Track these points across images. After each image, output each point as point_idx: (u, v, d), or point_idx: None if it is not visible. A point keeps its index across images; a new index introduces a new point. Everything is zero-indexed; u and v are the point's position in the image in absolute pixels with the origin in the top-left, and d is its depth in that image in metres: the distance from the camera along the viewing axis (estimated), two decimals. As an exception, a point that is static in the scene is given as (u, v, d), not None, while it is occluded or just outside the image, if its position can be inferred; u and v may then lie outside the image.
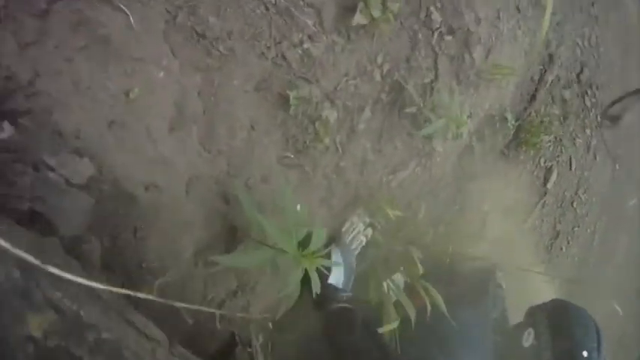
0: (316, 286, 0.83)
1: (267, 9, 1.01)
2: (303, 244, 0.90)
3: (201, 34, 0.91)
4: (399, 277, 1.48)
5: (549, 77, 2.07)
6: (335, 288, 1.19)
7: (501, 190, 1.99)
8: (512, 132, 1.87)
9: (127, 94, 0.77)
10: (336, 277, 1.22)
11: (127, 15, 0.77)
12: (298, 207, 0.97)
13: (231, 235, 0.95)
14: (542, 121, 1.95)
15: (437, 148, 1.47)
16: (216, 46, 0.93)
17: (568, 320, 1.24)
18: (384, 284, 1.36)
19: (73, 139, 0.73)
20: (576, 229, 2.35)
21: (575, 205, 2.30)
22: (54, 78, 0.71)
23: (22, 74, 0.69)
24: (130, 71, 0.77)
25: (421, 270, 1.29)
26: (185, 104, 0.86)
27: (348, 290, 1.23)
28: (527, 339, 1.30)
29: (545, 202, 2.14)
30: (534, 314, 1.29)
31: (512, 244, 1.99)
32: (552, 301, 1.29)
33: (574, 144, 2.26)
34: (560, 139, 2.16)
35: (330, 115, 1.12)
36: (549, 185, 2.12)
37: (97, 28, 0.74)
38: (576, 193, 2.30)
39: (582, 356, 1.18)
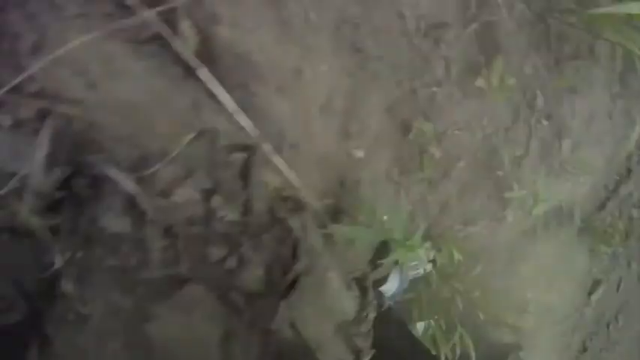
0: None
1: (412, 48, 1.18)
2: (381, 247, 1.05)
3: (357, 48, 1.08)
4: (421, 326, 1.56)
5: (623, 190, 2.14)
6: (381, 294, 1.28)
7: (548, 284, 2.03)
8: (575, 230, 1.94)
9: (297, 72, 0.93)
10: (387, 289, 1.32)
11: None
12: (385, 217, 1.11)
13: (337, 212, 1.07)
14: (605, 231, 2.01)
15: (508, 217, 1.57)
16: (366, 63, 1.10)
17: None
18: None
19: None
20: (604, 353, 2.32)
21: (610, 329, 2.29)
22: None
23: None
24: (304, 54, 0.93)
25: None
26: (333, 98, 1.02)
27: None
28: None
29: (584, 312, 2.15)
30: None
31: (541, 336, 2.00)
32: None
33: (629, 266, 2.28)
34: (617, 257, 2.20)
35: (436, 152, 1.25)
36: (593, 297, 2.14)
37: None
38: (615, 317, 2.29)
39: None
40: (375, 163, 1.14)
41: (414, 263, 1.39)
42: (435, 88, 1.23)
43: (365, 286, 0.96)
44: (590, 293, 2.11)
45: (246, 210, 0.75)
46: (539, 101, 1.51)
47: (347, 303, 0.86)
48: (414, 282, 1.45)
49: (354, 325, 0.86)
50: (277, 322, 0.73)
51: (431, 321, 1.45)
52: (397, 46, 1.14)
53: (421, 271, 1.42)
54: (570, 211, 1.88)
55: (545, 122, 1.54)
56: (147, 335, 0.63)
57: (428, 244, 1.38)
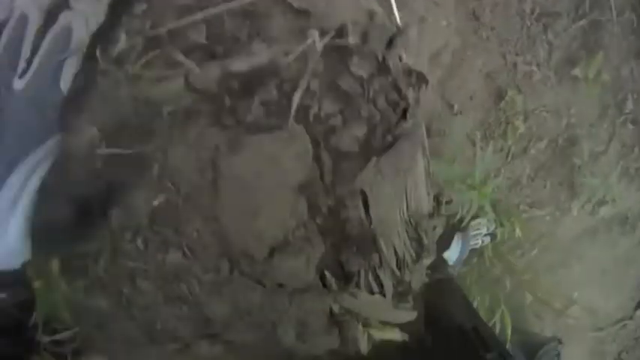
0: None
1: (522, 28, 1.28)
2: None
3: (475, 15, 1.19)
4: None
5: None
6: (445, 261, 1.38)
7: (598, 288, 2.06)
8: (636, 241, 1.97)
9: (422, 19, 1.06)
10: (449, 257, 1.42)
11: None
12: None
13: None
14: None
15: (573, 210, 1.63)
16: (481, 30, 1.21)
17: None
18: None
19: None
20: None
21: None
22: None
23: None
24: (430, 7, 1.06)
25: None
26: (442, 52, 1.14)
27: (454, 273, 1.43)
28: None
29: (626, 324, 2.16)
30: None
31: (579, 338, 2.05)
32: None
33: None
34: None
35: (521, 126, 1.35)
36: (638, 313, 2.15)
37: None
38: None
39: None
40: (463, 119, 1.26)
41: (474, 233, 1.48)
42: (534, 68, 1.32)
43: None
44: (636, 308, 2.13)
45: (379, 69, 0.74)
46: (629, 104, 1.56)
47: (423, 200, 0.79)
48: (470, 254, 1.54)
49: (425, 221, 0.79)
50: (360, 181, 0.68)
51: (477, 297, 1.53)
52: (510, 22, 1.25)
53: (479, 242, 1.52)
54: (635, 221, 1.91)
55: (630, 126, 1.58)
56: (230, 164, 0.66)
57: (492, 216, 1.48)
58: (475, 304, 1.50)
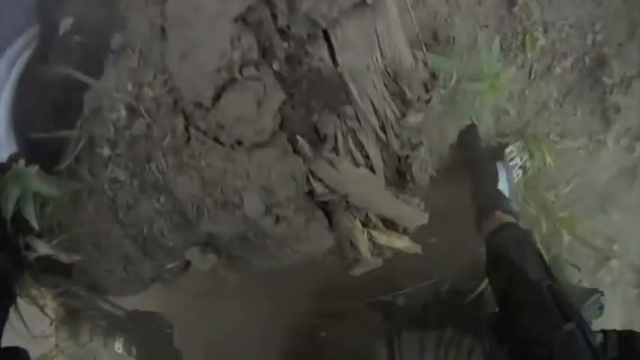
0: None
1: None
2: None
3: None
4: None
5: None
6: (504, 196, 1.23)
7: (637, 240, 1.88)
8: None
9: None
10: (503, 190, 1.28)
11: None
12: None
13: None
14: None
15: (608, 143, 1.48)
16: None
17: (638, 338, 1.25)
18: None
19: None
20: None
21: None
22: None
23: None
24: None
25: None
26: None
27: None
28: (596, 339, 1.33)
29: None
30: (607, 330, 1.29)
31: (616, 289, 1.87)
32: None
33: None
34: None
35: (541, 38, 1.22)
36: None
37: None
38: None
39: None
40: (471, 24, 1.14)
41: (511, 163, 1.34)
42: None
43: None
44: (680, 264, 1.93)
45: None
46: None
47: (402, 51, 0.69)
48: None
49: (405, 73, 0.69)
50: (315, 13, 0.60)
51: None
52: None
53: (515, 176, 1.37)
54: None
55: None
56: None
57: (520, 144, 1.34)
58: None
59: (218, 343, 1.66)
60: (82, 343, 1.32)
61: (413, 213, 0.80)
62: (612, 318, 1.87)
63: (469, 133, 1.25)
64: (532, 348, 0.86)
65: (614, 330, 1.44)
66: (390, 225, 0.82)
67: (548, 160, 1.30)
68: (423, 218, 0.83)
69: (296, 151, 0.68)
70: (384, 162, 0.73)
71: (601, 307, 1.46)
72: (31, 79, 0.79)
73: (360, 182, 0.71)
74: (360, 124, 0.68)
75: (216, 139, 0.69)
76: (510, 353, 0.90)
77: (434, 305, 1.57)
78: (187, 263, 0.90)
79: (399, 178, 0.78)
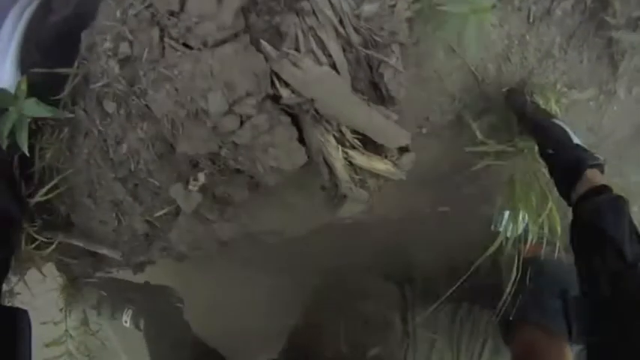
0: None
1: None
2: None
3: None
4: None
5: None
6: (586, 149, 1.10)
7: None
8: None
9: None
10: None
11: None
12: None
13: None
14: None
15: (619, 93, 1.39)
16: None
17: None
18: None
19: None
20: None
21: None
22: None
23: None
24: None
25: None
26: None
27: None
28: None
29: None
30: None
31: None
32: None
33: None
34: None
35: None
36: None
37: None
38: None
39: None
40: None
41: None
42: None
43: None
44: None
45: None
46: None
47: None
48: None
49: None
50: None
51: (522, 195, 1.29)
52: None
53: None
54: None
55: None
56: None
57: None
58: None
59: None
60: (92, 330, 1.34)
61: (390, 128, 0.78)
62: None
63: (516, 98, 1.15)
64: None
65: None
66: (372, 149, 0.82)
67: (555, 107, 1.20)
68: (403, 136, 0.82)
69: (259, 50, 0.70)
70: (349, 63, 0.71)
71: None
72: (38, 29, 0.85)
73: (325, 83, 0.69)
74: (318, 20, 0.66)
75: (186, 44, 0.72)
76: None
77: (449, 279, 1.47)
78: (177, 210, 0.94)
79: (374, 91, 0.78)
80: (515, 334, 1.17)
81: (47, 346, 1.23)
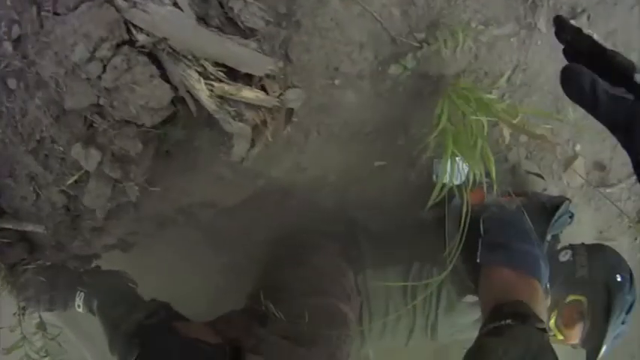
0: None
1: None
2: None
3: None
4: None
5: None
6: None
7: (599, 143, 1.78)
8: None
9: None
10: None
11: None
12: None
13: None
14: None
15: (540, 26, 1.35)
16: None
17: (604, 251, 1.35)
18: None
19: None
20: None
21: None
22: None
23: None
24: None
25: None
26: None
27: None
28: (564, 256, 1.34)
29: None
30: (574, 244, 1.38)
31: (589, 193, 1.77)
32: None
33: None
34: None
35: None
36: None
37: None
38: None
39: (615, 279, 1.23)
40: None
41: None
42: None
43: None
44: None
45: None
46: None
47: None
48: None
49: None
50: None
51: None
52: None
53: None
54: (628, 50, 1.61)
55: None
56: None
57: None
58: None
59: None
60: (50, 334, 1.32)
61: (250, 56, 0.82)
62: (583, 223, 1.78)
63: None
64: None
65: (582, 244, 1.37)
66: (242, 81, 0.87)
67: (472, 46, 1.17)
68: (266, 62, 0.85)
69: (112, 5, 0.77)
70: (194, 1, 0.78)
71: (571, 216, 1.36)
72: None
73: (171, 21, 0.77)
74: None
75: (56, 13, 0.81)
76: None
77: (396, 239, 1.47)
78: (87, 176, 0.98)
79: (232, 26, 0.83)
80: (483, 278, 1.15)
81: (7, 352, 1.23)
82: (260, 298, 1.14)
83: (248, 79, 0.87)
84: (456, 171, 1.33)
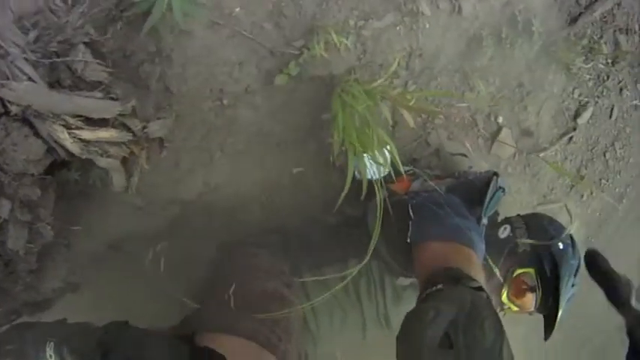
0: None
1: None
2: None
3: None
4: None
5: (599, 8, 1.84)
6: None
7: (519, 117, 1.78)
8: (537, 42, 1.68)
9: None
10: None
11: None
12: None
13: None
14: (580, 45, 1.73)
15: (424, 10, 1.36)
16: None
17: (541, 220, 1.35)
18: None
19: None
20: (604, 182, 2.02)
21: (607, 157, 1.98)
22: None
23: None
24: None
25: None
26: None
27: None
28: (504, 232, 1.33)
29: (572, 137, 1.87)
30: (510, 218, 1.37)
31: (525, 160, 1.77)
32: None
33: (620, 94, 1.97)
34: (604, 80, 1.90)
35: None
36: (580, 121, 1.86)
37: None
38: (612, 145, 1.98)
39: (558, 247, 1.23)
40: None
41: None
42: None
43: None
44: (575, 117, 1.84)
45: None
46: None
47: None
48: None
49: None
50: None
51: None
52: None
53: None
54: (528, 19, 1.63)
55: None
56: None
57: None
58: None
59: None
60: None
61: (97, 104, 0.96)
62: (523, 192, 1.79)
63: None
64: None
65: (518, 216, 1.38)
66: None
67: (346, 42, 1.18)
68: (113, 105, 0.97)
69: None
70: (45, 73, 0.93)
71: (503, 190, 1.36)
72: None
73: (30, 92, 0.92)
74: (10, 55, 0.89)
75: None
76: None
77: (328, 239, 1.47)
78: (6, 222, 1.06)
79: (81, 82, 0.97)
80: (416, 257, 1.13)
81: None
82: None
83: (105, 122, 1.00)
84: (369, 165, 1.34)
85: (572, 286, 1.26)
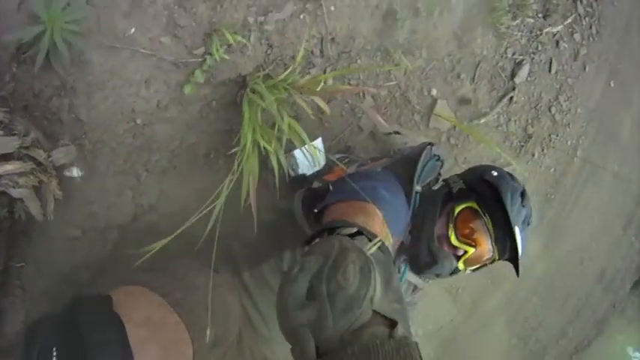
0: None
1: None
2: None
3: None
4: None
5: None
6: None
7: (457, 82, 1.77)
8: (457, 7, 1.67)
9: None
10: None
11: None
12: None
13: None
14: (505, 2, 1.72)
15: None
16: None
17: (472, 166, 1.33)
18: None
19: None
20: (554, 137, 2.02)
21: (553, 112, 1.98)
22: None
23: None
24: None
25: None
26: None
27: None
28: (437, 185, 1.31)
29: (512, 98, 1.86)
30: (445, 179, 1.32)
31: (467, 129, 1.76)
32: None
33: (557, 46, 1.96)
34: (537, 35, 1.89)
35: None
36: (518, 80, 1.85)
37: None
38: (556, 98, 1.97)
39: (492, 174, 1.20)
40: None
41: None
42: None
43: None
44: (512, 76, 1.83)
45: None
46: None
47: None
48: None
49: None
50: None
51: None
52: None
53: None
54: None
55: None
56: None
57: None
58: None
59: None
60: None
61: None
62: (470, 160, 1.79)
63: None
64: None
65: (455, 174, 1.35)
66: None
67: (242, 40, 1.16)
68: (12, 142, 0.99)
69: None
70: None
71: (439, 159, 1.34)
72: None
73: None
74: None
75: None
76: None
77: (262, 237, 1.45)
78: None
79: None
80: (323, 219, 1.06)
81: None
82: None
83: (10, 156, 1.02)
84: (292, 161, 1.33)
85: (524, 207, 1.21)
